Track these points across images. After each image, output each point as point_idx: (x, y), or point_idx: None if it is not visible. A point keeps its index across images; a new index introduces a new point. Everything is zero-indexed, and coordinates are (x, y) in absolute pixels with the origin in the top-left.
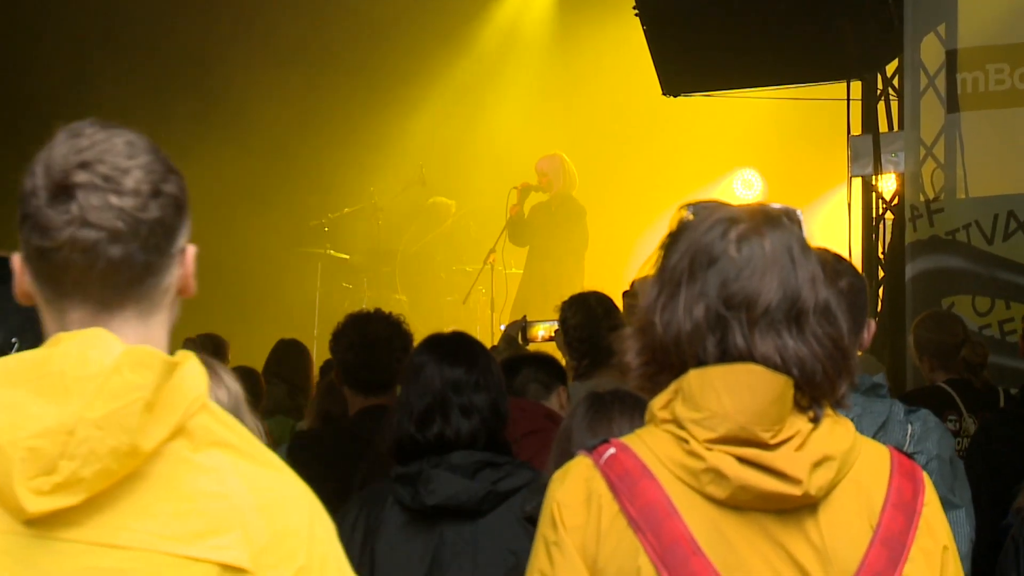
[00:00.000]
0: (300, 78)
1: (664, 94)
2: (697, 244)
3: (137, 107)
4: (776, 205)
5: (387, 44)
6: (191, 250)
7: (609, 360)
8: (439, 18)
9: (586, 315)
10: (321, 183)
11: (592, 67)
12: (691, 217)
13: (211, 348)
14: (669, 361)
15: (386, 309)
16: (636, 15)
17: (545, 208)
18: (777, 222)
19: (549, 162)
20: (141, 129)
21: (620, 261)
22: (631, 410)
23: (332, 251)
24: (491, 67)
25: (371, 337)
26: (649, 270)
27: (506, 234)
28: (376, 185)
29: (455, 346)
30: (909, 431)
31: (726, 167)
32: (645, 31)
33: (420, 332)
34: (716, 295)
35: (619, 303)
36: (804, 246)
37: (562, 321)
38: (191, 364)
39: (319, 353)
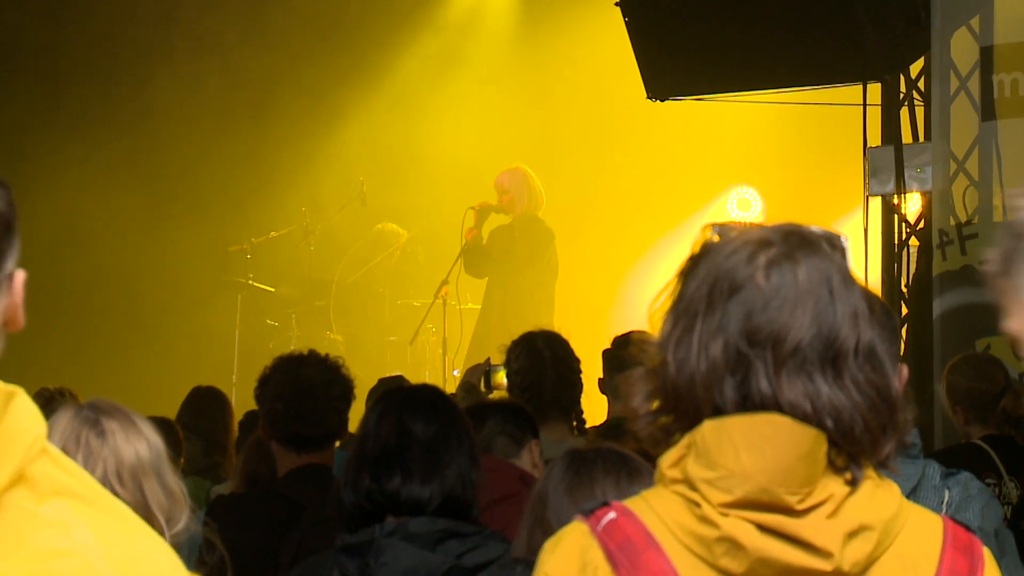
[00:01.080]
0: (216, 78)
1: (649, 98)
2: (719, 269)
3: (25, 120)
4: (815, 228)
5: (320, 38)
6: (20, 276)
7: (558, 412)
8: (382, 8)
9: (530, 358)
10: (242, 202)
11: (563, 67)
12: (716, 239)
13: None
14: (683, 408)
15: (320, 350)
16: (616, 4)
17: (507, 232)
18: (815, 247)
19: (511, 177)
20: (31, 144)
21: (595, 294)
22: (616, 470)
23: (254, 282)
24: (443, 65)
25: (304, 384)
26: (665, 302)
27: (461, 263)
28: (307, 204)
29: (423, 398)
30: (946, 498)
31: (720, 184)
32: (627, 23)
33: (359, 378)
34: (738, 329)
35: (585, 346)
36: (846, 276)
37: (506, 363)
38: (24, 397)
39: (238, 402)
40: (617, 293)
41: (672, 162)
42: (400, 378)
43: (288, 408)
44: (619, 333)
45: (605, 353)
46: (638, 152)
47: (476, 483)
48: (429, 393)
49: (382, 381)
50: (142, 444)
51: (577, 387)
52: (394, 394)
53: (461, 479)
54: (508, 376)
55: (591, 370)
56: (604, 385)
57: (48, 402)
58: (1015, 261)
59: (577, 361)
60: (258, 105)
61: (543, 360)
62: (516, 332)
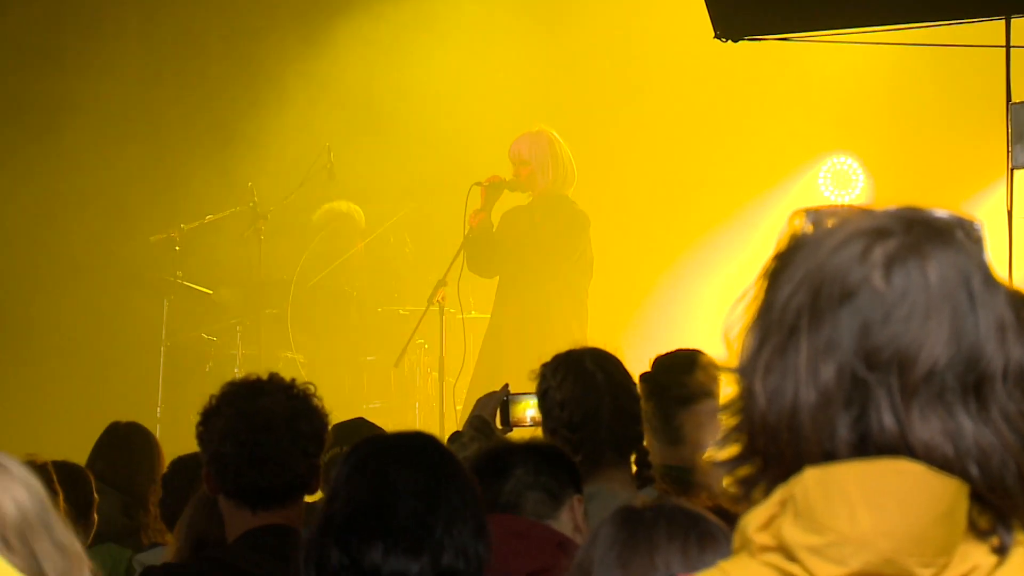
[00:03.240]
0: (134, 15)
1: (717, 37)
2: (822, 269)
3: None
4: (942, 211)
5: None
6: None
7: (617, 455)
8: None
9: (580, 384)
10: (167, 176)
11: None
12: (810, 229)
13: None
14: (777, 452)
15: (274, 371)
16: None
17: (525, 215)
18: (947, 237)
19: (531, 144)
20: None
21: (634, 299)
22: (684, 534)
23: (185, 281)
24: None
25: (263, 418)
26: (745, 314)
27: (463, 256)
28: (256, 179)
29: (409, 445)
30: None
31: (809, 152)
32: None
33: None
34: (853, 348)
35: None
36: (988, 276)
37: (542, 394)
38: None
39: (165, 443)
40: (663, 298)
41: (745, 123)
42: (361, 421)
43: (241, 451)
44: (663, 352)
45: (646, 379)
46: (699, 110)
47: (483, 559)
48: (418, 440)
49: (337, 428)
50: (21, 493)
51: (639, 421)
52: (371, 442)
53: (461, 551)
54: (548, 410)
55: None
56: (648, 421)
57: None
58: None
59: (635, 385)
60: (187, 49)
61: (597, 386)
62: (538, 350)
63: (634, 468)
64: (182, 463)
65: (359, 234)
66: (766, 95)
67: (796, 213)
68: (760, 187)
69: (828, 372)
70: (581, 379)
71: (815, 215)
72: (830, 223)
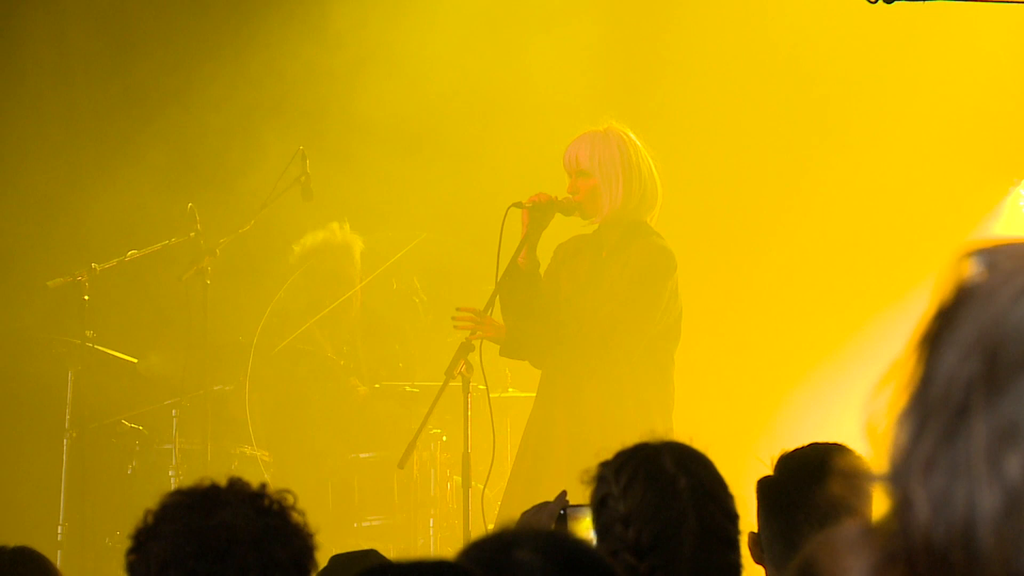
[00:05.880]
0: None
1: None
2: (1000, 325)
3: None
4: None
5: None
6: None
7: None
8: None
9: (653, 491)
10: (76, 195)
11: None
12: (983, 273)
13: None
14: None
15: (232, 473)
16: None
17: (587, 251)
18: None
19: (594, 147)
20: None
21: (729, 370)
22: None
23: (97, 345)
24: None
25: (222, 541)
26: (897, 395)
27: (496, 309)
28: (200, 199)
29: None
30: None
31: (1000, 166)
32: None
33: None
34: None
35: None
36: None
37: (598, 503)
38: None
39: (71, 574)
40: (781, 371)
41: (905, 121)
42: (374, 555)
43: None
44: (785, 449)
45: (764, 489)
46: (837, 105)
47: None
48: (443, 573)
49: (337, 560)
50: None
51: (736, 547)
52: (378, 574)
53: None
54: (607, 526)
55: None
56: (761, 545)
57: None
58: None
59: (731, 497)
60: (108, 27)
61: (678, 495)
62: (604, 443)
63: None
64: None
65: (356, 277)
66: (932, 82)
67: (963, 254)
68: (925, 220)
69: (1015, 465)
70: (655, 485)
71: (990, 256)
72: (1010, 265)
